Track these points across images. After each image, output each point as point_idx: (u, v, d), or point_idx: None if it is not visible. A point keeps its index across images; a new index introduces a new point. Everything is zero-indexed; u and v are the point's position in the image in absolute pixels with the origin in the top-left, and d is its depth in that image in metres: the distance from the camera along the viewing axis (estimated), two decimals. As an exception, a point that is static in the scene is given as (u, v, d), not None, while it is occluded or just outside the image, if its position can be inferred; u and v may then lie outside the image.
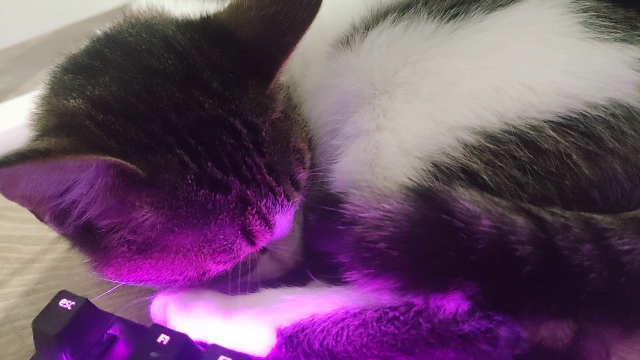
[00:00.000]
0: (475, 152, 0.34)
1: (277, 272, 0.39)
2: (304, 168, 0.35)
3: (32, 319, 0.43)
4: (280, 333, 0.33)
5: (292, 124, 0.36)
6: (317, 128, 0.41)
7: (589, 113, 0.33)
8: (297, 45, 0.34)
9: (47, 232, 0.38)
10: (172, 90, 0.33)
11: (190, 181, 0.31)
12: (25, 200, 0.32)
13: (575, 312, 0.31)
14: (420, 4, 0.38)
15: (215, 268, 0.34)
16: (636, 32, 0.35)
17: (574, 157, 0.33)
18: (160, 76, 0.33)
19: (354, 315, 0.33)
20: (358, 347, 0.32)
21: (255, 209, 0.33)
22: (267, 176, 0.33)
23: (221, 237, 0.33)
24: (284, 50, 0.34)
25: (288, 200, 0.34)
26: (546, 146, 0.33)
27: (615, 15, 0.35)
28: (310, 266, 0.38)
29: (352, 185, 0.36)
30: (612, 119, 0.33)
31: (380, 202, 0.32)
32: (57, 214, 0.33)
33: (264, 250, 0.37)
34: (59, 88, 0.36)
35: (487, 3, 0.37)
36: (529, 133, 0.33)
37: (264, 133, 0.33)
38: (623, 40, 0.34)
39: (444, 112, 0.35)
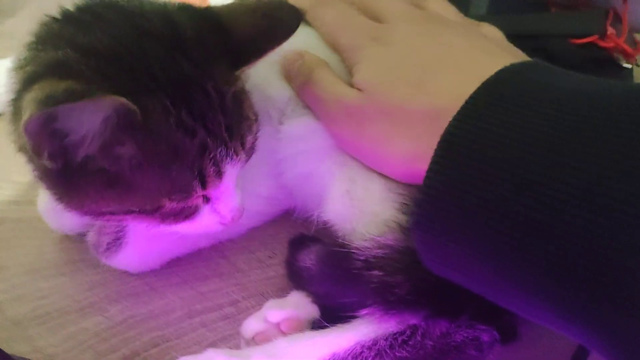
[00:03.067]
0: None
1: (214, 226, 0.42)
2: (250, 133, 0.41)
3: (10, 294, 0.44)
4: None
5: (245, 98, 0.41)
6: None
7: None
8: (269, 53, 0.40)
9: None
10: (157, 49, 0.37)
11: (171, 123, 0.35)
12: (38, 138, 0.34)
13: None
14: None
15: (169, 205, 0.38)
16: None
17: None
18: (147, 36, 0.37)
19: (369, 347, 0.37)
20: None
21: (211, 155, 0.37)
22: (224, 132, 0.38)
23: (181, 176, 0.36)
24: (259, 53, 0.40)
25: (236, 155, 0.39)
26: None
27: None
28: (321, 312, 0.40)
29: (341, 219, 0.42)
30: None
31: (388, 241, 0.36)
32: (56, 151, 0.35)
33: (207, 200, 0.40)
34: (47, 36, 0.38)
35: None
36: None
37: (226, 100, 0.38)
38: None
39: None
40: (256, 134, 0.41)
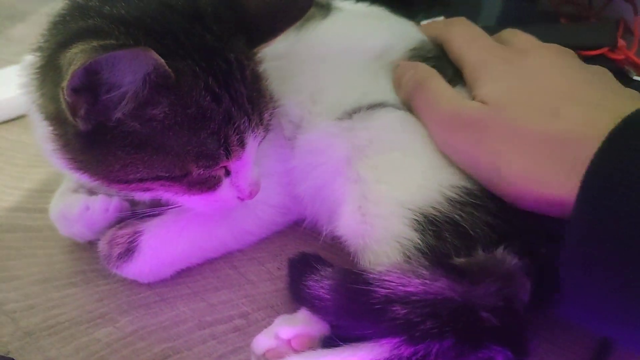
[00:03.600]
0: (457, 206, 0.40)
1: (233, 200, 0.43)
2: (267, 110, 0.42)
3: (22, 303, 0.44)
4: None
5: (263, 77, 0.43)
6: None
7: None
8: (284, 32, 0.42)
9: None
10: (180, 21, 0.38)
11: (201, 88, 0.37)
12: (79, 93, 0.35)
13: None
14: None
15: (196, 171, 0.39)
16: None
17: None
18: (171, 8, 0.39)
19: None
20: None
21: (236, 124, 0.39)
22: (247, 103, 0.40)
23: (208, 141, 0.38)
24: (274, 31, 0.42)
25: (256, 128, 0.41)
26: None
27: None
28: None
29: (353, 234, 0.43)
30: None
31: (413, 278, 0.36)
32: (92, 110, 0.36)
33: (228, 173, 0.42)
34: (73, 10, 0.40)
35: None
36: None
37: (247, 72, 0.40)
38: None
39: (433, 172, 0.42)
40: (272, 112, 0.43)
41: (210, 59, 0.38)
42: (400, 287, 0.36)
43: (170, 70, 0.35)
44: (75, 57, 0.33)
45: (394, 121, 0.45)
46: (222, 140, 0.38)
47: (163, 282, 0.47)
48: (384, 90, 0.48)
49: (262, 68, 0.43)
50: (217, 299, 0.46)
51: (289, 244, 0.51)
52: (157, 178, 0.39)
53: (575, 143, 0.35)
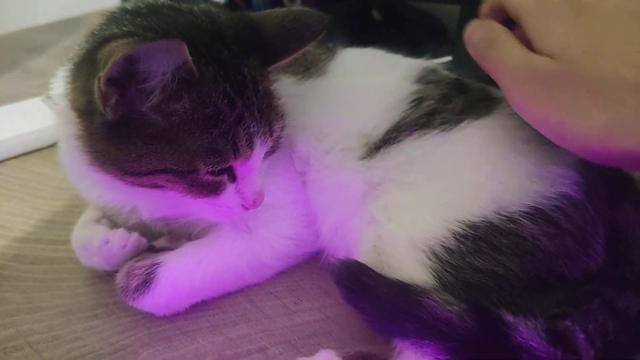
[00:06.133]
0: (465, 241, 0.42)
1: (236, 208, 0.45)
2: (277, 123, 0.45)
3: (45, 334, 0.45)
4: None
5: (275, 96, 0.47)
6: None
7: (547, 203, 0.43)
8: (296, 54, 0.46)
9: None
10: (204, 36, 0.43)
11: (220, 91, 0.41)
12: (113, 84, 0.38)
13: None
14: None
15: (203, 169, 0.41)
16: None
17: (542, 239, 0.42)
18: (197, 26, 0.43)
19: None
20: None
21: (246, 126, 0.42)
22: (256, 112, 0.43)
23: (218, 140, 0.41)
24: (287, 52, 0.46)
25: (265, 137, 0.43)
26: (522, 233, 0.42)
27: None
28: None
29: None
30: (562, 205, 0.43)
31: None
32: (121, 100, 0.39)
33: (233, 179, 0.44)
34: (107, 21, 0.45)
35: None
36: (506, 223, 0.42)
37: (260, 87, 0.44)
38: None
39: (440, 209, 0.44)
40: (281, 127, 0.46)
41: (227, 69, 0.42)
42: (531, 342, 0.37)
43: (195, 68, 0.39)
44: (116, 49, 0.37)
45: (405, 159, 0.47)
46: (232, 139, 0.41)
47: (182, 315, 0.48)
48: (394, 123, 0.50)
49: (274, 87, 0.46)
50: (236, 333, 0.47)
51: (305, 278, 0.52)
52: (166, 171, 0.41)
53: None
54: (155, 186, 0.43)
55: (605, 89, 0.36)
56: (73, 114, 0.44)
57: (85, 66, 0.42)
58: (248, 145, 0.42)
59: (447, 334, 0.37)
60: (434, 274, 0.42)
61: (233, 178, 0.44)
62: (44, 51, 0.99)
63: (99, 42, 0.42)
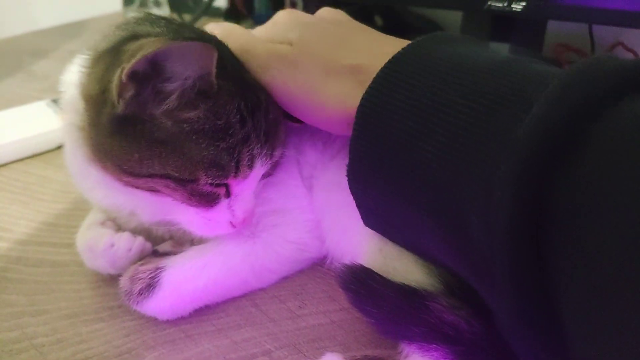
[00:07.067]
0: None
1: (224, 224, 0.46)
2: (279, 148, 0.47)
3: (50, 337, 0.45)
4: None
5: (282, 123, 0.48)
6: None
7: None
8: None
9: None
10: (230, 55, 0.45)
11: (234, 106, 0.41)
12: (136, 79, 0.38)
13: None
14: None
15: (204, 179, 0.41)
16: None
17: None
18: (225, 46, 0.46)
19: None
20: None
21: (251, 146, 0.43)
22: (263, 135, 0.44)
23: (223, 154, 0.41)
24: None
25: (265, 158, 0.45)
26: None
27: None
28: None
29: None
30: None
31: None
32: (136, 99, 0.39)
33: (227, 195, 0.44)
34: (144, 20, 0.45)
35: None
36: None
37: (270, 113, 0.45)
38: None
39: None
40: (282, 153, 0.48)
41: (245, 90, 0.43)
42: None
43: (215, 80, 0.40)
44: (147, 44, 0.38)
45: None
46: (236, 156, 0.42)
47: (187, 318, 0.48)
48: None
49: (283, 118, 0.47)
50: (241, 336, 0.47)
51: (310, 282, 0.52)
52: (166, 176, 0.41)
53: (364, 69, 0.40)
54: (150, 190, 0.43)
55: (330, 66, 0.43)
56: (81, 104, 0.43)
57: (108, 56, 0.42)
58: (249, 165, 0.43)
59: (454, 338, 0.37)
60: (440, 277, 0.42)
61: (228, 194, 0.45)
62: (48, 55, 0.99)
63: (129, 36, 0.42)
